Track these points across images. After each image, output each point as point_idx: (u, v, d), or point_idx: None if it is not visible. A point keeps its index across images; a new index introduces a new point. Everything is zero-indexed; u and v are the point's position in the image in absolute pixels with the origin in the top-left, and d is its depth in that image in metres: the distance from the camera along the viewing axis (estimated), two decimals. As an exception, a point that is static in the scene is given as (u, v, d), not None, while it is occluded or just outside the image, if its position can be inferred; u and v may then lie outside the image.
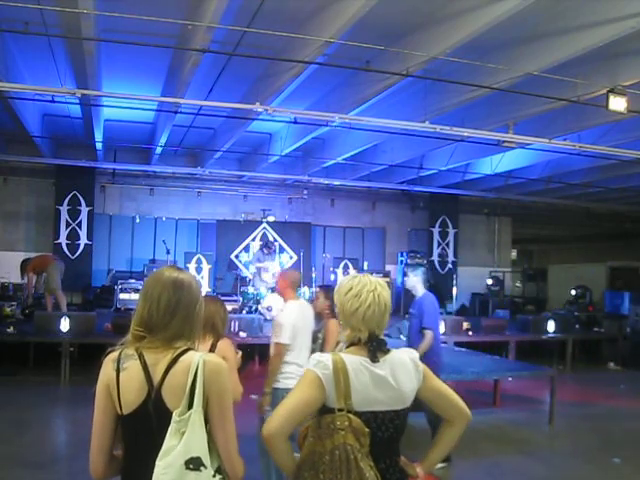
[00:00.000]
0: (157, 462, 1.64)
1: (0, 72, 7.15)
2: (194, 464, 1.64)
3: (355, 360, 1.87)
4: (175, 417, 1.66)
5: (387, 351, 1.92)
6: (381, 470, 1.82)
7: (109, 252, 13.55)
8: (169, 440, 1.65)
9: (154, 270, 1.95)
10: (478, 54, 6.88)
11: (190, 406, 1.67)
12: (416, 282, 5.60)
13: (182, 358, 1.74)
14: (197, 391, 1.68)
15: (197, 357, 1.73)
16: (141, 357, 1.75)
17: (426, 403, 1.98)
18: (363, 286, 1.93)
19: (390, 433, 1.87)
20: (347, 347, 1.95)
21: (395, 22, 6.68)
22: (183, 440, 1.64)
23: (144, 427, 1.72)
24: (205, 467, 1.65)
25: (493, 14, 5.68)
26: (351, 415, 1.80)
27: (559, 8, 6.12)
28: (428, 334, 5.19)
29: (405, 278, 5.46)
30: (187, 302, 1.81)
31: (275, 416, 1.86)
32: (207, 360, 1.73)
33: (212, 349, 3.12)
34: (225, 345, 3.19)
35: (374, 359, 1.87)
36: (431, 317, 5.34)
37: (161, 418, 1.69)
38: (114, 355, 1.79)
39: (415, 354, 1.99)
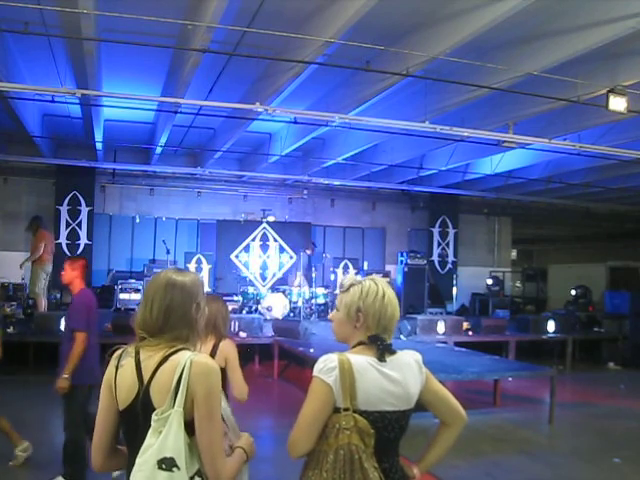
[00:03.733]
0: (136, 459, 1.67)
1: (0, 72, 7.15)
2: (166, 464, 1.63)
3: (362, 360, 1.87)
4: (154, 416, 1.66)
5: (393, 352, 1.93)
6: (385, 470, 1.83)
7: (109, 252, 13.55)
8: (148, 438, 1.66)
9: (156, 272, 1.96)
10: (478, 54, 6.88)
11: (173, 406, 1.67)
12: (74, 276, 4.62)
13: (172, 357, 1.74)
14: (180, 391, 1.67)
15: (186, 357, 1.72)
16: (137, 355, 1.77)
17: (425, 405, 1.99)
18: (389, 289, 1.98)
19: (395, 433, 1.88)
20: (353, 347, 1.95)
21: (395, 22, 6.68)
22: (159, 439, 1.64)
23: (134, 424, 1.74)
24: (178, 468, 1.64)
25: (493, 14, 5.68)
26: (357, 415, 1.80)
27: (559, 8, 6.12)
28: (78, 337, 4.42)
29: (62, 273, 4.75)
30: (180, 302, 1.80)
31: (297, 431, 1.86)
32: (195, 360, 1.72)
33: (214, 349, 3.11)
34: (228, 345, 3.19)
35: (382, 359, 1.88)
36: (80, 316, 4.48)
37: (147, 415, 1.69)
38: (118, 352, 1.83)
39: (418, 356, 1.99)
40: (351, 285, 1.99)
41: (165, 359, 1.73)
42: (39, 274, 9.57)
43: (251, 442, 1.94)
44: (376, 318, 1.93)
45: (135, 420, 1.72)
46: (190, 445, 1.68)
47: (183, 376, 1.68)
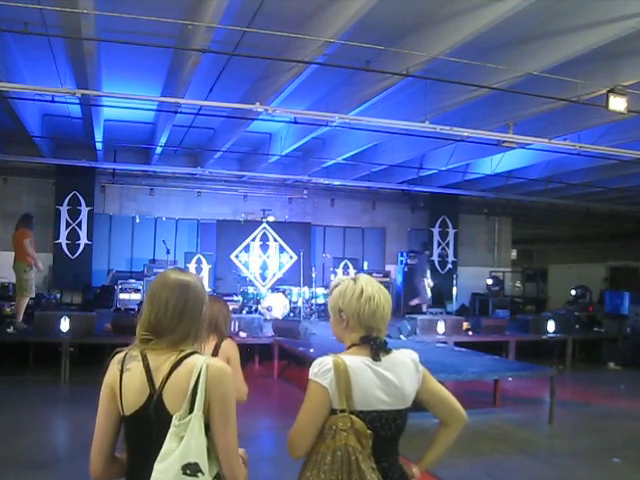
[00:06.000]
0: (155, 465, 1.63)
1: (0, 72, 7.16)
2: (191, 470, 1.62)
3: (356, 360, 1.87)
4: (175, 421, 1.64)
5: (388, 351, 1.93)
6: (383, 469, 1.84)
7: (109, 252, 13.56)
8: (168, 444, 1.64)
9: (158, 273, 1.95)
10: (478, 54, 6.88)
11: (191, 410, 1.66)
12: None
13: (186, 361, 1.73)
14: (198, 395, 1.66)
15: (201, 361, 1.72)
16: (144, 359, 1.75)
17: (424, 405, 1.99)
18: (372, 287, 1.96)
19: (392, 432, 1.88)
20: (348, 348, 1.96)
21: (395, 22, 6.68)
22: (181, 445, 1.62)
23: (145, 429, 1.71)
24: (202, 473, 1.63)
25: (493, 14, 5.68)
26: (353, 416, 1.81)
27: (559, 8, 6.12)
28: None
29: None
30: (194, 304, 1.81)
31: (296, 433, 1.86)
32: (211, 364, 1.72)
33: (216, 349, 3.11)
34: (229, 345, 3.18)
35: (376, 358, 1.89)
36: None
37: (161, 421, 1.67)
38: (120, 356, 1.80)
39: (415, 355, 2.00)
40: (335, 286, 2.01)
41: (178, 363, 1.72)
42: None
43: (246, 456, 1.93)
44: (355, 317, 1.93)
45: (146, 425, 1.70)
46: (209, 449, 1.67)
47: (200, 379, 1.67)
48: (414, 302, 13.01)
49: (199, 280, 1.90)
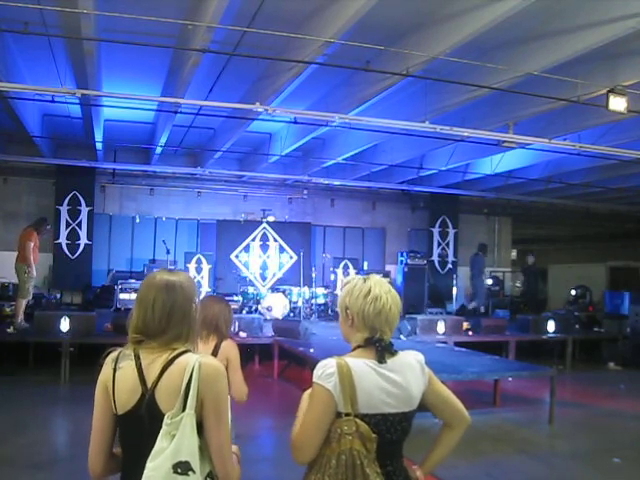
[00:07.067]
0: (147, 464, 1.64)
1: (0, 72, 7.15)
2: (182, 468, 1.62)
3: (360, 363, 1.85)
4: (166, 420, 1.64)
5: (394, 353, 1.91)
6: (388, 472, 1.82)
7: (109, 252, 13.55)
8: (159, 442, 1.64)
9: (147, 274, 1.94)
10: (478, 54, 6.88)
11: (183, 409, 1.65)
12: None
13: (178, 360, 1.72)
14: (191, 394, 1.66)
15: (194, 359, 1.71)
16: (137, 357, 1.75)
17: (428, 407, 1.98)
18: (380, 288, 1.94)
19: (397, 435, 1.87)
20: (353, 349, 1.94)
21: (395, 22, 6.68)
22: (173, 443, 1.62)
23: (137, 428, 1.71)
24: (194, 472, 1.63)
25: (493, 14, 5.68)
26: (358, 420, 1.79)
27: (559, 8, 6.12)
28: None
29: None
30: (182, 303, 1.80)
31: (301, 438, 1.84)
32: (204, 363, 1.71)
33: (216, 349, 3.12)
34: (228, 346, 3.19)
35: (382, 360, 1.87)
36: None
37: (153, 420, 1.67)
38: (114, 355, 1.80)
39: (421, 356, 1.98)
40: (345, 284, 2.01)
41: (170, 362, 1.72)
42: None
43: (239, 454, 1.93)
44: (360, 316, 1.91)
45: (138, 424, 1.70)
46: (201, 448, 1.67)
47: (193, 378, 1.67)
48: (472, 305, 13.11)
49: (188, 280, 1.88)
